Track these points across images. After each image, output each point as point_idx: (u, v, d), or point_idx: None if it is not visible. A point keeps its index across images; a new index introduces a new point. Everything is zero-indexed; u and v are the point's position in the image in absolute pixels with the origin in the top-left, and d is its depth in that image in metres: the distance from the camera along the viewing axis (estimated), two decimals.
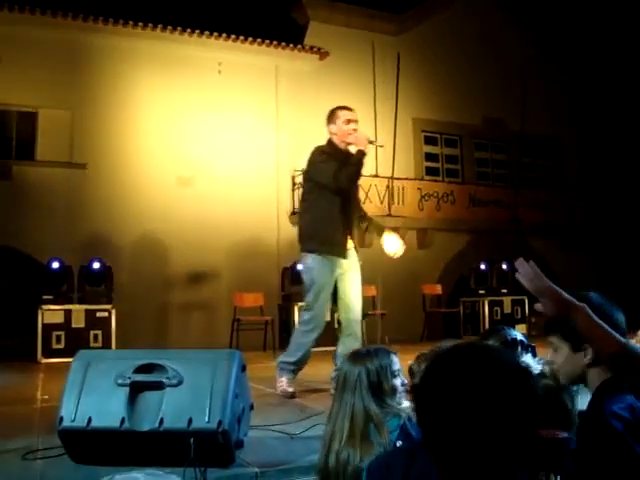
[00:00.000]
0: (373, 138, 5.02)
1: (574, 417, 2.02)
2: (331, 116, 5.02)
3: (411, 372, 2.33)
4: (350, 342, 4.92)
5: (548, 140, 15.53)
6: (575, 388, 2.02)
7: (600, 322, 1.61)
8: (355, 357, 2.39)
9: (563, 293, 1.67)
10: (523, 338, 2.67)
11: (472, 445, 1.09)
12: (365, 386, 2.24)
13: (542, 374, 2.07)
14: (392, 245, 5.05)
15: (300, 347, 5.04)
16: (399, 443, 2.11)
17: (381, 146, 5.09)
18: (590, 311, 1.63)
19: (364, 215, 5.29)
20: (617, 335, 1.60)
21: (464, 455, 1.10)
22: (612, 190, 15.08)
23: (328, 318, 5.38)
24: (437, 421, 1.13)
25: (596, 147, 15.44)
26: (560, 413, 2.00)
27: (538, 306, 1.70)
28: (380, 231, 5.25)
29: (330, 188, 4.75)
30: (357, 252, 4.99)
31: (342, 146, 4.91)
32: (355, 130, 4.88)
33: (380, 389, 2.26)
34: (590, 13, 14.98)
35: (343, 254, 4.80)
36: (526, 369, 1.23)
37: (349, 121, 4.91)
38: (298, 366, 5.03)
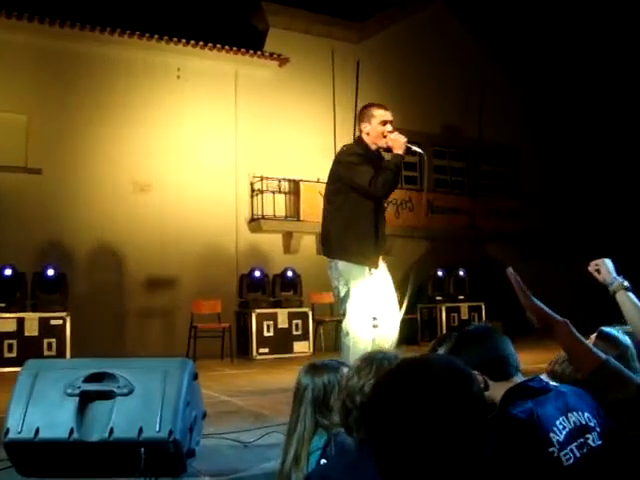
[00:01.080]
0: (411, 143, 4.51)
1: None
2: (365, 114, 4.56)
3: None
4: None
5: (505, 149, 15.78)
6: None
7: (581, 338, 1.66)
8: (308, 369, 2.33)
9: (545, 309, 1.72)
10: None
11: (417, 455, 1.13)
12: (309, 401, 2.19)
13: None
14: None
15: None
16: (323, 461, 2.06)
17: (421, 153, 4.51)
18: (572, 327, 1.68)
19: None
20: (598, 352, 1.65)
21: (410, 465, 1.14)
22: (568, 197, 15.39)
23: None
24: (384, 435, 1.17)
25: (552, 155, 15.74)
26: None
27: (530, 317, 1.79)
28: None
29: (363, 193, 4.37)
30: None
31: (373, 147, 4.53)
32: (390, 132, 4.47)
33: (325, 405, 2.18)
34: (547, 26, 15.29)
35: (372, 264, 4.45)
36: (467, 376, 1.25)
37: (385, 122, 4.49)
38: None
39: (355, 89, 12.54)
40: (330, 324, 10.89)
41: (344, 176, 4.45)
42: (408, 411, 1.15)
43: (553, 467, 1.74)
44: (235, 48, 12.36)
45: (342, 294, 4.43)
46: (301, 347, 10.26)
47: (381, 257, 4.59)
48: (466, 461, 1.16)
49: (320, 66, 13.20)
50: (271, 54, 12.77)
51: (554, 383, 2.09)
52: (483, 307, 12.48)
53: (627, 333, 3.22)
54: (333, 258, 4.50)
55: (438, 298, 12.18)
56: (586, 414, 1.89)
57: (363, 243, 4.41)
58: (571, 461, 1.80)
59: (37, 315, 8.91)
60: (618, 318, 2.36)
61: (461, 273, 12.63)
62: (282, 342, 10.14)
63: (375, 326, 4.37)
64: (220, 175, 12.08)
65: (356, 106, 12.45)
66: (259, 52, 12.67)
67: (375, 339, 4.32)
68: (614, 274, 2.27)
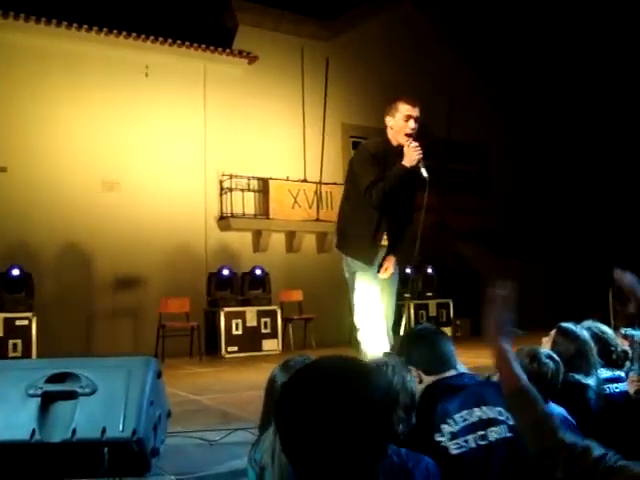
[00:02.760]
0: (425, 162, 4.35)
1: None
2: (392, 107, 4.45)
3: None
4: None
5: (473, 147, 15.91)
6: None
7: (511, 361, 1.71)
8: (283, 366, 2.34)
9: (497, 324, 1.79)
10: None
11: (323, 452, 1.18)
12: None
13: None
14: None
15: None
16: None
17: (425, 178, 4.28)
18: (507, 349, 1.74)
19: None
20: (522, 376, 1.69)
21: (318, 461, 1.20)
22: (536, 196, 15.60)
23: None
24: (292, 433, 1.23)
25: (520, 154, 15.92)
26: None
27: (485, 323, 1.86)
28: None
29: (363, 194, 4.30)
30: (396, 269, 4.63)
31: (394, 143, 4.43)
32: (414, 130, 4.35)
33: None
34: (515, 25, 15.46)
35: (370, 261, 4.39)
36: (361, 374, 1.28)
37: (409, 117, 4.35)
38: None
39: (324, 87, 12.55)
40: (299, 322, 10.91)
41: (355, 174, 4.41)
42: (304, 411, 1.20)
43: (439, 453, 1.98)
44: (204, 45, 12.29)
45: (350, 285, 4.47)
46: (270, 345, 10.26)
47: (391, 262, 4.53)
48: (369, 457, 1.22)
49: (289, 64, 13.19)
50: (240, 52, 12.73)
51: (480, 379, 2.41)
52: (451, 304, 12.61)
53: (587, 328, 3.29)
54: (340, 250, 4.54)
55: (406, 295, 12.16)
56: (498, 408, 2.12)
57: (359, 239, 4.39)
58: (461, 450, 2.05)
59: (2, 315, 8.80)
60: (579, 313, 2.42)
61: (429, 270, 12.73)
62: (251, 340, 10.13)
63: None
64: (189, 173, 12.01)
65: (325, 104, 12.50)
66: (228, 49, 12.62)
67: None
68: None
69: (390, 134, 4.45)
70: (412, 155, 4.25)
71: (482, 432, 2.11)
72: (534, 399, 1.66)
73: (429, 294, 12.43)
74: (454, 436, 2.09)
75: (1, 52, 10.67)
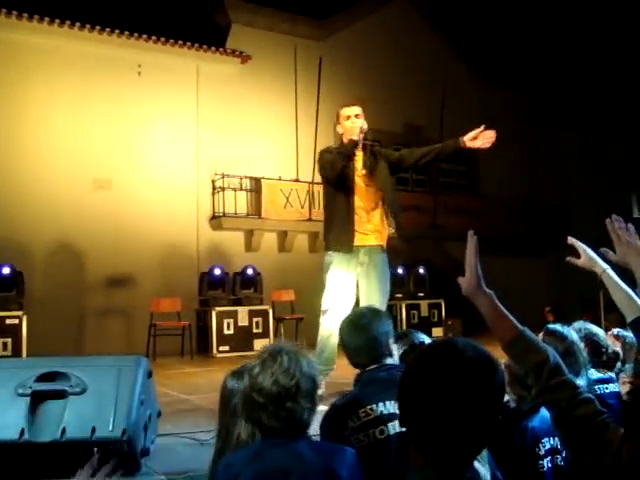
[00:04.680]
0: (366, 128, 4.75)
1: None
2: (336, 117, 4.90)
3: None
4: None
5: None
6: None
7: (503, 310, 1.76)
8: (235, 372, 2.30)
9: (479, 277, 1.89)
10: (430, 341, 2.77)
11: (444, 428, 1.30)
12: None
13: None
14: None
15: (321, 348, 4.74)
16: None
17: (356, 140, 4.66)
18: (496, 299, 1.79)
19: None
20: (516, 322, 1.73)
21: (438, 436, 1.31)
22: (528, 195, 15.65)
23: None
24: (417, 409, 1.35)
25: (512, 153, 15.94)
26: None
27: (460, 279, 1.93)
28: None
29: (325, 178, 4.74)
30: (383, 250, 4.84)
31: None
32: (354, 123, 4.74)
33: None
34: (511, 25, 15.50)
35: (349, 250, 4.62)
36: (487, 360, 1.38)
37: (348, 117, 4.77)
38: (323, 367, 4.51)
39: (317, 86, 12.54)
40: (290, 322, 10.89)
41: (320, 170, 4.80)
42: (437, 391, 1.31)
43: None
44: (197, 44, 12.27)
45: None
46: (262, 345, 10.21)
47: (378, 245, 4.76)
48: (482, 438, 1.36)
49: (283, 63, 13.17)
50: (233, 51, 12.71)
51: None
52: (443, 304, 12.61)
53: (577, 330, 3.29)
54: (325, 249, 4.80)
55: (398, 295, 12.25)
56: None
57: (338, 230, 4.63)
58: (361, 444, 2.19)
59: None
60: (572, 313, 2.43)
61: (421, 271, 12.74)
62: (242, 340, 10.11)
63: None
64: (181, 172, 11.98)
65: (318, 104, 12.49)
66: (221, 49, 12.60)
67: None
68: (599, 261, 2.35)
69: (344, 139, 4.79)
70: (354, 129, 4.65)
71: (382, 427, 2.23)
72: (535, 341, 1.70)
73: (421, 294, 12.43)
74: (355, 431, 2.22)
75: None
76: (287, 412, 1.78)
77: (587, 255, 2.40)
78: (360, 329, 2.55)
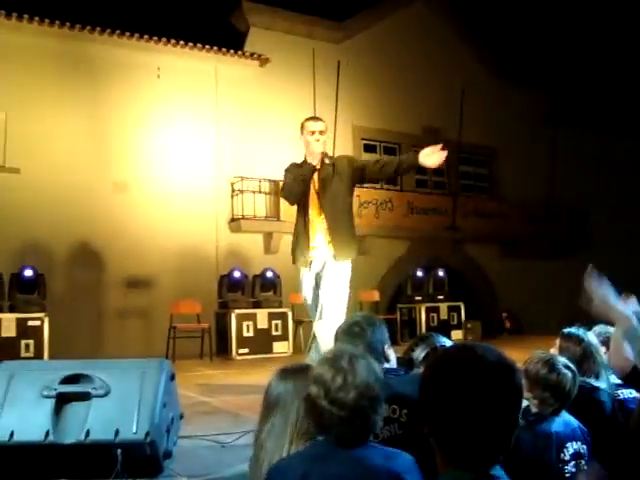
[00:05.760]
0: (330, 155, 4.96)
1: None
2: (301, 128, 5.03)
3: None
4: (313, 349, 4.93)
5: (485, 149, 15.87)
6: None
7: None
8: (280, 373, 2.23)
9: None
10: (447, 347, 2.76)
11: (467, 430, 1.34)
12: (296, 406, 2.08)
13: None
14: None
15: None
16: None
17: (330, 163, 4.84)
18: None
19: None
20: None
21: (462, 439, 1.35)
22: (547, 198, 15.55)
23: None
24: (439, 412, 1.39)
25: (531, 156, 15.86)
26: None
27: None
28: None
29: (283, 198, 5.04)
30: (336, 258, 4.86)
31: (310, 159, 4.87)
32: (317, 141, 4.85)
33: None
34: (530, 26, 15.43)
35: (304, 263, 4.88)
36: (507, 365, 1.42)
37: (312, 132, 4.89)
38: None
39: (336, 89, 12.55)
40: (309, 324, 10.86)
41: None
42: (460, 394, 1.35)
43: None
44: (216, 47, 12.33)
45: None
46: (281, 347, 10.26)
47: (332, 255, 4.83)
48: (504, 440, 1.39)
49: (301, 66, 13.19)
50: (252, 54, 12.76)
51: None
52: (462, 307, 12.56)
53: (598, 333, 3.27)
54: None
55: (417, 298, 12.23)
56: (393, 406, 2.27)
57: (296, 244, 4.94)
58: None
59: (14, 316, 8.81)
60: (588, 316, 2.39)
61: (440, 273, 12.69)
62: (262, 342, 10.13)
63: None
64: (200, 175, 12.04)
65: (336, 107, 12.49)
66: (240, 52, 12.65)
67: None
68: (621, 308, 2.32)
69: (306, 153, 4.94)
70: (315, 153, 4.77)
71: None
72: None
73: (440, 297, 12.37)
74: None
75: (13, 56, 10.73)
76: (368, 423, 1.77)
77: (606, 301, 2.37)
78: (354, 337, 2.54)
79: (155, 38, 11.78)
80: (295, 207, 5.00)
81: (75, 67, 11.18)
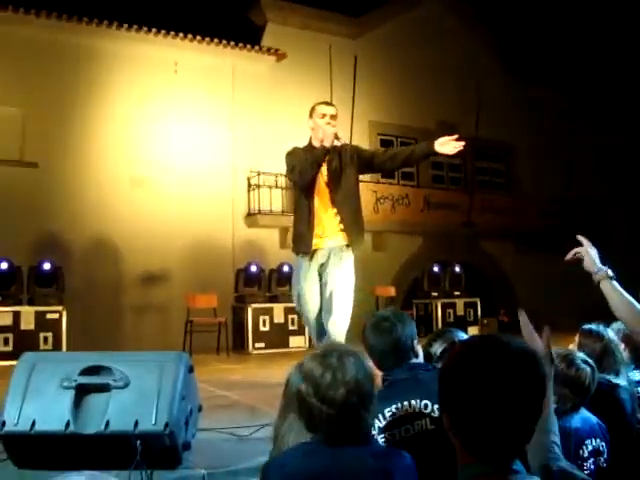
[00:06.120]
0: (341, 135, 4.62)
1: None
2: (310, 111, 4.85)
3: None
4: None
5: (501, 145, 15.79)
6: None
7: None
8: (300, 367, 2.29)
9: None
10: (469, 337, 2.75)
11: (490, 420, 1.31)
12: None
13: None
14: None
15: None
16: None
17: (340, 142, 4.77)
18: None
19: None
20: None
21: (484, 429, 1.32)
22: (563, 194, 15.44)
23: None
24: (461, 401, 1.34)
25: (547, 152, 15.76)
26: None
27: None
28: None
29: (291, 181, 4.69)
30: (348, 248, 4.67)
31: (317, 143, 4.64)
32: (329, 124, 4.63)
33: None
34: (546, 23, 15.31)
35: (307, 250, 4.60)
36: (532, 354, 1.39)
37: (324, 115, 4.67)
38: None
39: (352, 85, 12.52)
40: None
41: (287, 173, 4.82)
42: (485, 382, 1.31)
43: None
44: (233, 43, 12.36)
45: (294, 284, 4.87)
46: (297, 342, 10.28)
47: (343, 244, 4.62)
48: (526, 432, 1.36)
49: (317, 61, 13.18)
50: (268, 49, 12.77)
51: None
52: (479, 303, 12.52)
53: (617, 330, 3.25)
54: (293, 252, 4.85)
55: (434, 294, 12.20)
56: (424, 401, 2.30)
57: (299, 233, 4.67)
58: (387, 443, 2.22)
59: (33, 309, 8.90)
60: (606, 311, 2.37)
61: (457, 269, 12.65)
62: (278, 337, 10.15)
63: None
64: (217, 170, 12.08)
65: (353, 102, 12.47)
66: (256, 47, 12.67)
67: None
68: (598, 263, 2.28)
69: (312, 136, 4.75)
70: (328, 134, 4.50)
71: (407, 426, 2.25)
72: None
73: (456, 293, 12.34)
74: (381, 431, 2.25)
75: (31, 51, 10.81)
76: (358, 421, 1.76)
77: (590, 257, 2.35)
78: (384, 332, 2.53)
79: (172, 33, 11.83)
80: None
81: (92, 62, 11.24)
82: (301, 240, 4.65)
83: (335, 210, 4.63)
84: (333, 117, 4.67)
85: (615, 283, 2.19)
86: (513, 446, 1.36)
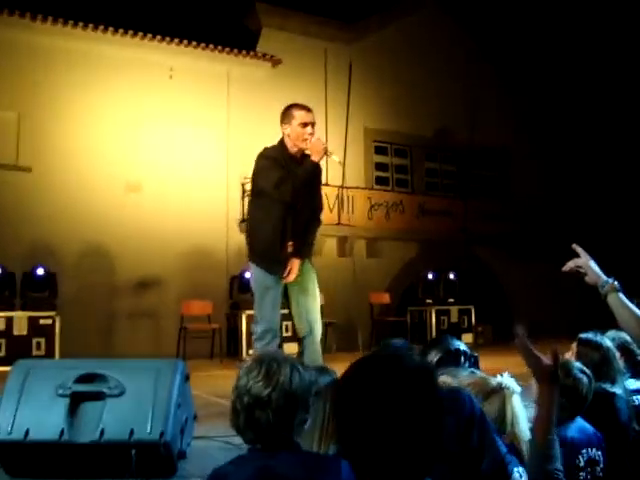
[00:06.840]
0: (330, 149, 4.52)
1: None
2: (286, 115, 4.53)
3: None
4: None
5: (496, 152, 15.83)
6: None
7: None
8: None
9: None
10: (466, 348, 2.75)
11: (384, 446, 1.19)
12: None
13: None
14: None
15: None
16: None
17: (340, 162, 4.70)
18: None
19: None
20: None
21: (377, 456, 1.20)
22: (558, 200, 15.48)
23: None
24: (353, 428, 1.22)
25: (542, 159, 15.81)
26: None
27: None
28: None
29: (269, 196, 4.38)
30: (309, 261, 4.68)
31: (294, 150, 4.47)
32: (312, 135, 4.41)
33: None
34: (540, 29, 15.36)
35: (280, 271, 4.46)
36: (427, 371, 1.30)
37: (306, 124, 4.43)
38: None
39: (347, 90, 12.54)
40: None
41: (254, 178, 4.57)
42: (378, 402, 1.20)
43: None
44: (228, 48, 12.36)
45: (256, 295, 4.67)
46: (291, 348, 10.19)
47: (296, 265, 4.52)
48: (428, 451, 1.22)
49: (313, 67, 13.21)
50: (264, 55, 12.77)
51: None
52: (473, 310, 12.52)
53: (612, 339, 3.25)
54: (250, 262, 4.64)
55: (428, 301, 12.18)
56: None
57: (266, 249, 4.45)
58: None
59: (26, 314, 8.85)
60: (604, 319, 2.37)
61: (451, 276, 12.65)
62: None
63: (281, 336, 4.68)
64: (211, 175, 12.06)
65: (348, 107, 12.51)
66: (252, 52, 12.67)
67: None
68: (603, 276, 2.27)
69: (288, 142, 4.51)
70: (317, 146, 4.38)
71: None
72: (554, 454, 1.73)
73: (450, 300, 12.33)
74: None
75: (26, 55, 10.79)
76: (256, 422, 1.76)
77: (593, 270, 2.33)
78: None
79: (168, 39, 11.81)
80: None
81: (87, 67, 11.22)
82: (273, 257, 4.50)
83: (301, 223, 4.56)
84: (314, 125, 4.50)
85: (622, 296, 2.18)
86: (410, 475, 1.22)
